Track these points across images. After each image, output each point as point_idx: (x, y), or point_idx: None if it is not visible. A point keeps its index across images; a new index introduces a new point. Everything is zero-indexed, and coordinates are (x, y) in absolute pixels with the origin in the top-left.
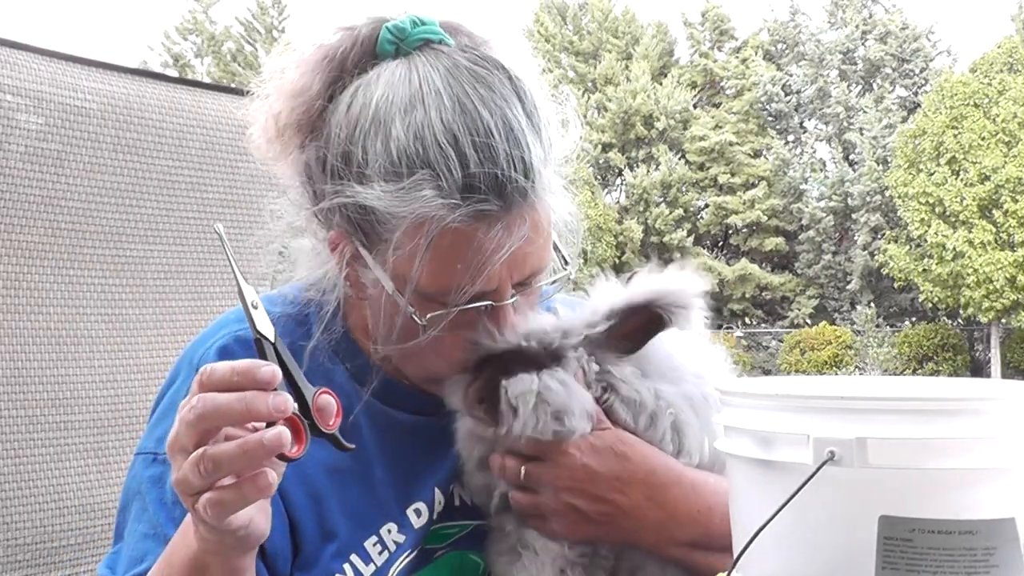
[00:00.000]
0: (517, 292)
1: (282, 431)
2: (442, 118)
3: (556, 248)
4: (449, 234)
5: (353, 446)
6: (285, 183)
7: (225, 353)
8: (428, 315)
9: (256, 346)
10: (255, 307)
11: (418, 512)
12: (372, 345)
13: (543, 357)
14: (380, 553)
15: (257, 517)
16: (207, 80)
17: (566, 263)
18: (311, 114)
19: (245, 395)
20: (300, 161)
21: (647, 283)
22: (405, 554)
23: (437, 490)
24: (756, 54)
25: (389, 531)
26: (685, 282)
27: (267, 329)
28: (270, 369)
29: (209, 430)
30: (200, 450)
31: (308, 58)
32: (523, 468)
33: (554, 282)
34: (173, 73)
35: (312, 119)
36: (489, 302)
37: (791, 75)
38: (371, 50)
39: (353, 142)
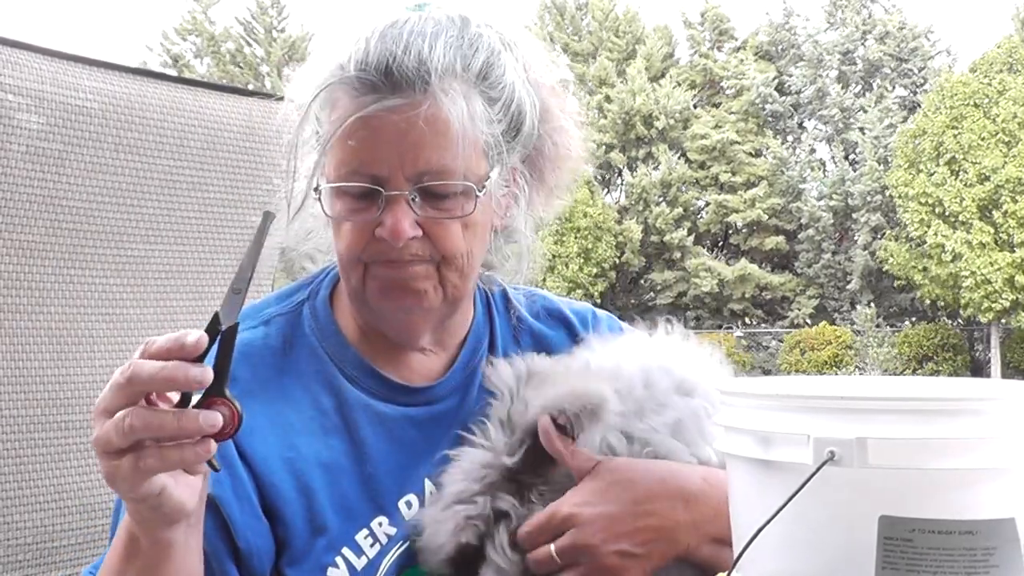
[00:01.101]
0: (419, 195)
1: (218, 417)
2: (374, 27)
3: (486, 185)
4: (335, 105)
5: (219, 467)
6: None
7: None
8: (320, 186)
9: (211, 320)
10: (237, 292)
11: (409, 504)
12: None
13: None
14: (372, 546)
15: (176, 490)
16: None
17: (482, 187)
18: None
19: (167, 364)
20: None
21: (547, 395)
22: (397, 546)
23: (428, 481)
24: (750, 55)
25: (380, 524)
26: (582, 389)
27: (228, 317)
28: (195, 336)
29: (134, 394)
30: (127, 409)
31: None
32: (552, 548)
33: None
34: (173, 73)
35: None
36: (379, 188)
37: (790, 75)
38: None
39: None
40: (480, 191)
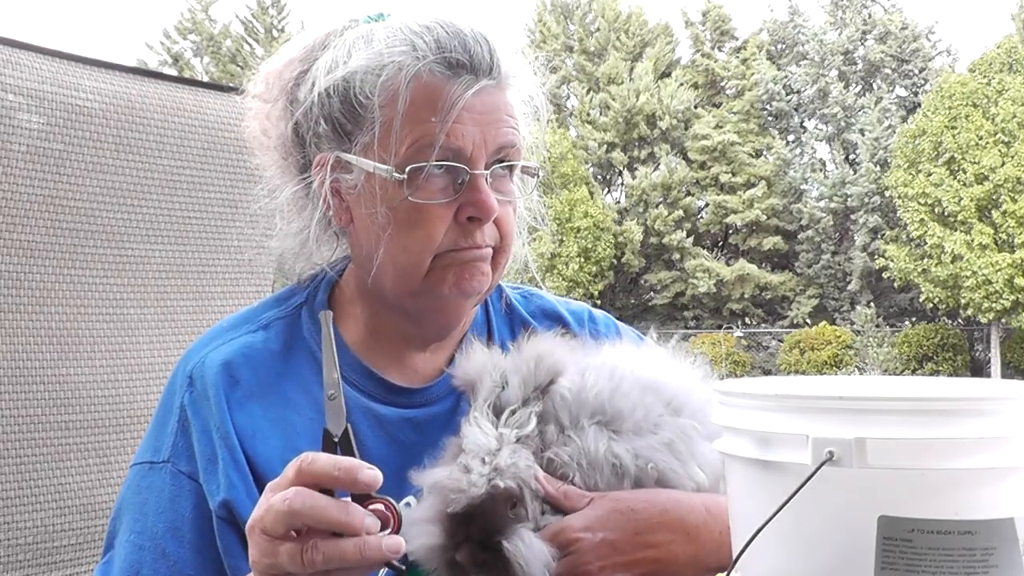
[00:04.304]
0: (491, 176)
1: (400, 541)
2: (418, 20)
3: (532, 171)
4: (422, 86)
5: (404, 567)
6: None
7: (229, 368)
8: (407, 167)
9: (323, 437)
10: (332, 398)
11: (408, 506)
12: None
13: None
14: None
15: None
16: (206, 79)
17: (537, 173)
18: (305, 63)
19: (346, 506)
20: (285, 102)
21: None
22: None
23: None
24: (760, 52)
25: None
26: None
27: (337, 424)
28: (372, 474)
29: (299, 526)
30: (311, 541)
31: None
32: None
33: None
34: (172, 72)
35: (305, 67)
36: (465, 167)
37: (792, 75)
38: None
39: (338, 50)
40: (539, 171)
